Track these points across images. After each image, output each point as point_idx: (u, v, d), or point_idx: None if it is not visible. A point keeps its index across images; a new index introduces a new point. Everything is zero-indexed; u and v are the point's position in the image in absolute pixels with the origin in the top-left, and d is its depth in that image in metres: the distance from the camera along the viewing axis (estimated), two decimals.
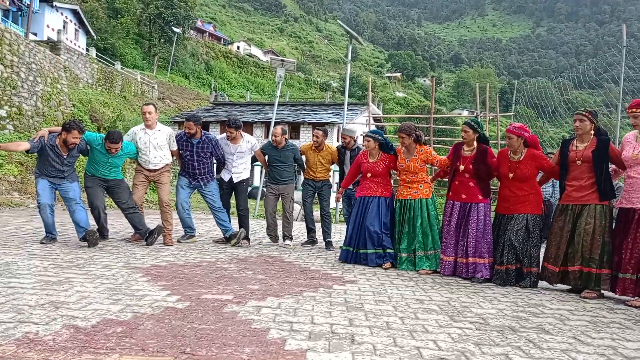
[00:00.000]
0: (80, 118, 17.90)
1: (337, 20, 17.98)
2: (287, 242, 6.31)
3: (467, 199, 4.70)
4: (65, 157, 5.15)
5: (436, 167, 5.44)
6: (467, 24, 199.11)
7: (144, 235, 5.57)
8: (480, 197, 4.67)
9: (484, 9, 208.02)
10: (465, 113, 62.46)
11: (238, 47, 74.81)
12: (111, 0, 46.38)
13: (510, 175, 4.52)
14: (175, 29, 46.03)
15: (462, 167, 4.73)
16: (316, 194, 6.52)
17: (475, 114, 16.92)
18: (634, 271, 3.94)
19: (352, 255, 5.23)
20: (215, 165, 6.23)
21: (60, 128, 5.12)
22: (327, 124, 25.22)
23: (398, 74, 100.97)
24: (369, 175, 5.31)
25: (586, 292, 4.12)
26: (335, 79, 79.74)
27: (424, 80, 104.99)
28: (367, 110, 15.88)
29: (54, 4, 31.30)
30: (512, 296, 3.99)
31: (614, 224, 4.29)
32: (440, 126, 16.05)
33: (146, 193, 5.98)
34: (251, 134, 26.44)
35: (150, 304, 3.00)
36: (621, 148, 4.23)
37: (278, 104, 14.56)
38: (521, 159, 4.50)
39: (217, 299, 3.25)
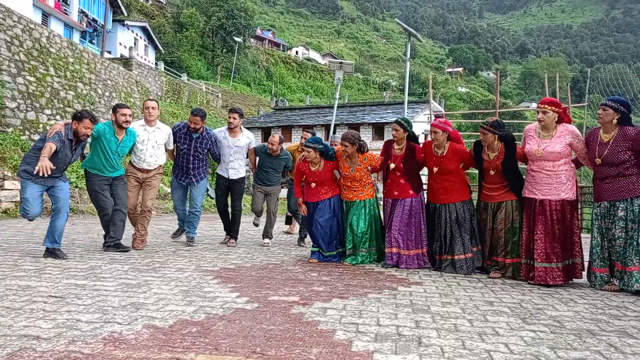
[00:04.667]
0: None
1: (395, 18, 17.81)
2: (266, 240, 6.42)
3: (399, 196, 4.98)
4: (74, 152, 4.76)
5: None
6: (533, 12, 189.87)
7: (110, 243, 5.27)
8: (410, 192, 4.94)
9: None
10: (533, 105, 59.39)
11: (297, 52, 76.06)
12: (177, 15, 48.82)
13: (435, 169, 4.81)
14: (236, 39, 47.54)
15: (392, 166, 4.97)
16: None
17: None
18: (559, 259, 4.15)
19: (320, 256, 5.21)
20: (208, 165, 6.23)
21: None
22: (387, 123, 24.99)
23: (460, 69, 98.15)
24: (313, 185, 5.24)
25: (493, 273, 4.54)
26: (395, 77, 78.84)
27: (488, 74, 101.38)
28: (428, 107, 15.58)
29: (126, 22, 33.43)
30: (590, 298, 3.77)
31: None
32: (506, 120, 15.42)
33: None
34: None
35: (222, 305, 3.13)
36: (523, 139, 4.47)
37: (337, 106, 14.64)
38: (444, 153, 4.78)
39: (283, 300, 3.34)
